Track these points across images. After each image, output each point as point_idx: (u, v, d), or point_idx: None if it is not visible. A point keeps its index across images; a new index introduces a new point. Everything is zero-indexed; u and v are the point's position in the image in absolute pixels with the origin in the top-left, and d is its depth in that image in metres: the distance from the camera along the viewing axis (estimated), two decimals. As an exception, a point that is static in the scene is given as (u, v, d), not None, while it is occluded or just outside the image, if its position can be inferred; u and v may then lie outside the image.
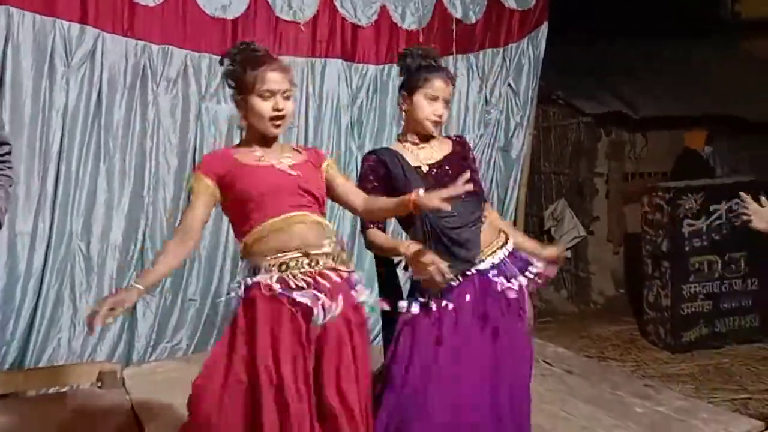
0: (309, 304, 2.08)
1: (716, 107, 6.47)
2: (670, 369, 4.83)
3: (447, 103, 2.55)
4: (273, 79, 2.14)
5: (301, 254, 2.14)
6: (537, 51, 4.98)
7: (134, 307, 3.94)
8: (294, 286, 2.10)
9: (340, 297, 2.13)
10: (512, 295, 2.44)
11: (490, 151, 4.83)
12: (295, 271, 2.12)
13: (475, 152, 2.79)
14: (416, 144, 2.56)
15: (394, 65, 4.59)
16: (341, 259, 2.23)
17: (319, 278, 2.13)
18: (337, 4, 4.36)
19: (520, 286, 2.47)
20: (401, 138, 2.61)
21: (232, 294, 2.22)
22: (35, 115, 3.66)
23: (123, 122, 3.88)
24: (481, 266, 2.47)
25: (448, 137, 2.69)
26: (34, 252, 3.70)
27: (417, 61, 2.56)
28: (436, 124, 2.53)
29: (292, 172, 2.19)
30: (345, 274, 2.22)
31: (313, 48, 4.28)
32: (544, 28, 5.00)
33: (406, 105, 2.53)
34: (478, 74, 4.79)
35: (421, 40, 4.56)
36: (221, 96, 4.10)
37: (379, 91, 4.51)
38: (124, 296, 2.00)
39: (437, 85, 2.50)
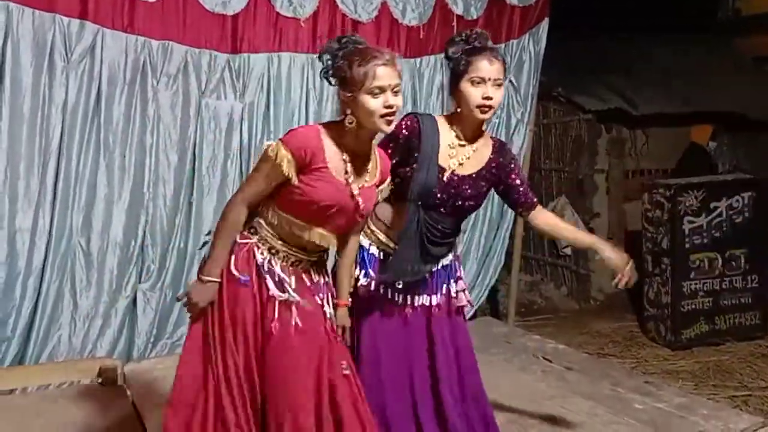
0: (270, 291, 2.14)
1: (716, 104, 6.46)
2: (670, 366, 4.83)
3: (498, 86, 2.37)
4: (383, 74, 2.04)
5: (295, 251, 2.19)
6: (538, 47, 4.96)
7: (134, 304, 3.95)
8: (266, 269, 2.15)
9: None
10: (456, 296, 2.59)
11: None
12: (278, 260, 2.18)
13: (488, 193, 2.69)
14: (459, 139, 2.46)
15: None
16: (320, 264, 2.29)
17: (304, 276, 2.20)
18: (338, 0, 4.35)
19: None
20: (450, 121, 2.48)
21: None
22: (35, 111, 3.66)
23: (123, 118, 3.87)
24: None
25: (492, 140, 2.58)
26: (35, 248, 3.70)
27: (460, 47, 2.43)
28: (486, 109, 2.36)
29: (360, 201, 2.18)
30: (316, 279, 2.26)
31: (314, 44, 4.26)
32: (545, 24, 4.98)
33: (456, 98, 2.42)
34: (479, 70, 4.77)
35: (421, 36, 4.56)
36: (221, 92, 4.10)
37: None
38: (204, 295, 2.13)
39: (482, 66, 2.35)
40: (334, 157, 2.12)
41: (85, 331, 3.81)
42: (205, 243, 4.02)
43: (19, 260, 3.67)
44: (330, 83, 2.18)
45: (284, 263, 2.18)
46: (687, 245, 5.12)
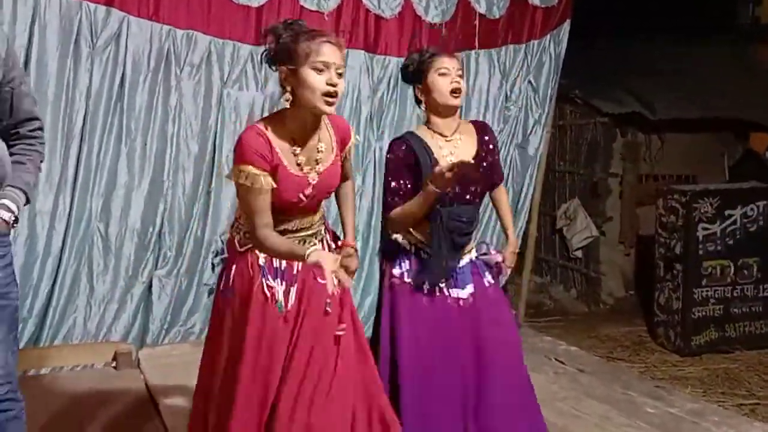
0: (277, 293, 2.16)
1: (734, 111, 6.45)
2: (679, 372, 4.83)
3: (460, 75, 2.59)
4: (329, 51, 2.02)
5: (294, 234, 2.20)
6: (559, 49, 4.97)
7: (150, 290, 3.97)
8: (276, 265, 2.17)
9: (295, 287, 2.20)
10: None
11: (507, 147, 4.83)
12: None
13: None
14: (441, 135, 2.59)
15: (416, 57, 4.65)
16: (320, 235, 2.30)
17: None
18: (362, -6, 4.36)
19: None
20: (428, 125, 2.64)
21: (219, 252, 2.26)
22: (59, 95, 3.69)
23: (145, 106, 3.90)
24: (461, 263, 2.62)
25: (472, 123, 2.75)
26: (54, 231, 3.74)
27: (416, 58, 2.62)
28: (456, 93, 2.54)
29: (313, 186, 2.17)
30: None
31: (337, 38, 4.28)
32: (566, 25, 4.99)
33: (424, 95, 2.59)
34: (500, 70, 4.78)
35: (443, 33, 4.57)
36: (243, 83, 4.12)
37: (400, 83, 4.49)
38: (328, 257, 2.00)
39: (444, 59, 2.56)
40: (284, 152, 2.10)
41: (100, 315, 3.84)
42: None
43: (38, 243, 3.71)
44: (270, 66, 2.13)
45: None
46: (700, 252, 5.11)
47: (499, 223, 3.07)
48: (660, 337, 5.32)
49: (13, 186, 2.10)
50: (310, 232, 2.26)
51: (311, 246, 2.15)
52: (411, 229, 2.58)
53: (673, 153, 6.60)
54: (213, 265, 2.23)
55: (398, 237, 2.60)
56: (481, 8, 4.68)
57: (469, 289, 2.63)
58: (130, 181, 3.89)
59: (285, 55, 2.05)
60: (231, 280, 2.20)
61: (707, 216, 5.11)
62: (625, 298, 6.41)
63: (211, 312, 2.37)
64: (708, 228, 5.11)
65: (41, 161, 2.24)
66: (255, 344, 2.14)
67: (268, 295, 2.15)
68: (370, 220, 4.43)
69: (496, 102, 4.78)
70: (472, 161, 2.51)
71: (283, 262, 2.19)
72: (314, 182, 2.17)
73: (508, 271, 2.78)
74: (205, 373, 2.32)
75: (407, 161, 2.54)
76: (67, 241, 3.77)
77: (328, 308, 2.21)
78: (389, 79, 4.47)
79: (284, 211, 2.16)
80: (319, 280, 2.11)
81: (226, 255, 2.24)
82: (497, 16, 4.74)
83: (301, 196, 2.15)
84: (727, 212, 5.13)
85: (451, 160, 2.51)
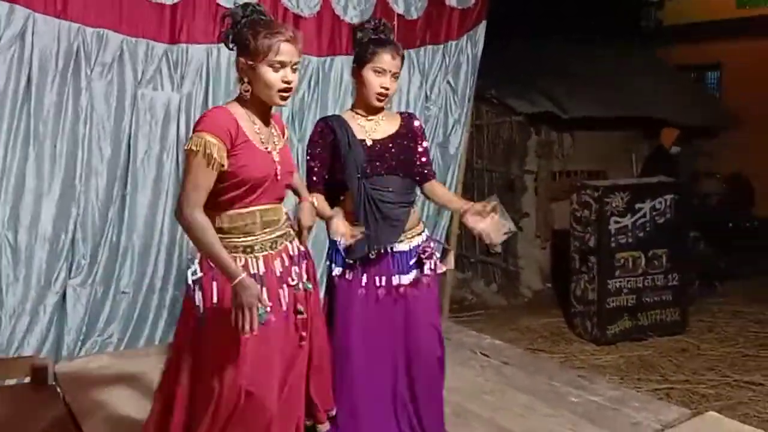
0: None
1: (640, 109, 6.76)
2: (597, 360, 5.02)
3: (395, 76, 2.62)
4: (286, 50, 2.08)
5: (264, 235, 2.18)
6: (475, 49, 5.05)
7: (64, 300, 3.80)
8: (253, 272, 2.13)
9: (285, 289, 2.19)
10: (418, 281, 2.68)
11: (430, 146, 4.88)
12: (259, 254, 2.17)
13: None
14: (364, 116, 2.67)
15: (336, 57, 4.62)
16: (290, 236, 2.29)
17: (275, 262, 2.19)
18: (281, -7, 4.31)
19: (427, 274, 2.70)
20: (352, 108, 2.72)
21: (192, 268, 2.16)
22: (-41, 97, 3.47)
23: (54, 107, 3.70)
24: (399, 247, 2.66)
25: (399, 113, 2.81)
26: (-42, 241, 3.51)
27: (367, 35, 2.64)
28: (382, 97, 2.61)
29: (278, 163, 2.18)
30: (293, 251, 2.27)
31: (254, 37, 4.20)
32: (482, 26, 5.07)
33: (356, 78, 2.64)
34: (419, 70, 4.82)
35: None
36: (158, 82, 3.99)
37: (320, 82, 4.48)
38: (250, 291, 2.01)
39: (385, 58, 2.57)
40: (248, 129, 2.14)
41: (11, 328, 3.63)
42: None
43: (-60, 254, 3.48)
44: (228, 47, 2.17)
45: (263, 253, 2.18)
46: (613, 244, 5.33)
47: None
48: (577, 327, 5.51)
49: None
50: (279, 233, 2.23)
51: (277, 246, 2.20)
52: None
53: (584, 150, 6.86)
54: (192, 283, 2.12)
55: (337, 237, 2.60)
56: (400, 9, 4.70)
57: (412, 275, 2.67)
58: (39, 186, 3.69)
59: (243, 48, 2.11)
60: (212, 297, 2.11)
61: (618, 210, 5.32)
62: (543, 291, 6.62)
63: (180, 326, 2.25)
64: (619, 221, 5.33)
65: None
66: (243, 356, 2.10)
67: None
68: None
69: (416, 102, 4.82)
70: (392, 140, 2.64)
71: (261, 267, 2.15)
72: (277, 160, 2.18)
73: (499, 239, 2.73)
74: (168, 384, 2.23)
75: (325, 139, 2.63)
76: (-28, 252, 3.55)
77: (300, 314, 2.24)
78: (309, 79, 4.43)
79: (254, 189, 2.12)
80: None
81: (200, 275, 2.14)
82: (415, 17, 4.78)
83: (277, 170, 2.16)
84: (637, 206, 5.37)
85: (371, 137, 2.62)
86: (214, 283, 2.11)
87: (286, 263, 2.23)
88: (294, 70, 2.12)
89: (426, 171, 2.79)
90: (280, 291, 2.18)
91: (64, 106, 3.74)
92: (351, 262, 2.61)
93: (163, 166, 4.02)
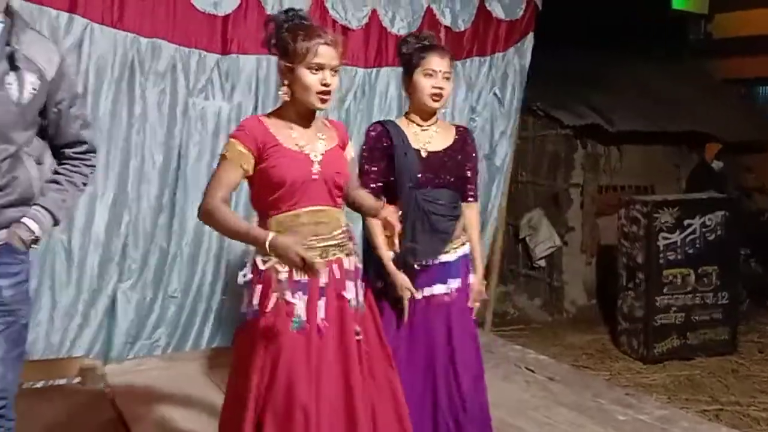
0: (295, 308, 2.11)
1: (688, 124, 6.63)
2: (643, 379, 4.92)
3: (446, 77, 2.62)
4: (325, 53, 2.10)
5: (314, 242, 2.15)
6: (523, 61, 5.03)
7: (114, 303, 3.87)
8: (297, 278, 2.12)
9: (324, 301, 2.15)
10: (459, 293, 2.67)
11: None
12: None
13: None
14: (419, 125, 2.66)
15: (382, 68, 4.65)
16: (347, 250, 2.25)
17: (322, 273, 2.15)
18: (329, 5, 4.35)
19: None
20: (406, 116, 2.71)
21: (244, 274, 2.18)
22: (19, 104, 3.57)
23: (109, 115, 3.79)
24: (444, 258, 2.65)
25: (455, 126, 2.80)
26: (14, 244, 3.60)
27: (412, 45, 2.67)
28: (437, 97, 2.59)
29: (318, 163, 2.16)
30: (350, 266, 2.24)
31: (303, 48, 4.25)
32: (529, 38, 5.06)
33: (408, 87, 2.65)
34: (465, 82, 4.81)
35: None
36: (209, 92, 4.06)
37: (366, 94, 4.51)
38: (287, 245, 2.02)
39: (433, 60, 2.59)
40: (281, 134, 2.16)
41: (63, 329, 3.71)
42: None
43: (-3, 256, 3.57)
44: (270, 51, 2.21)
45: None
46: (661, 261, 5.23)
47: None
48: (623, 345, 5.41)
49: (40, 206, 2.11)
50: (332, 243, 2.20)
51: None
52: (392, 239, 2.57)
53: (631, 164, 6.76)
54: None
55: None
56: (446, 21, 4.72)
57: (455, 284, 2.66)
58: (93, 192, 3.78)
59: (283, 51, 2.15)
60: (255, 300, 2.14)
61: (667, 226, 5.23)
62: (588, 307, 6.51)
63: (237, 334, 2.28)
64: (668, 237, 5.23)
65: (84, 183, 2.26)
66: (272, 364, 2.10)
67: (286, 311, 2.11)
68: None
69: (462, 114, 4.81)
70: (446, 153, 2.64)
71: (305, 275, 2.13)
72: (317, 160, 2.17)
73: (476, 305, 2.75)
74: (231, 397, 2.24)
75: (380, 143, 2.61)
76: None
77: (357, 336, 2.20)
78: (356, 90, 4.46)
79: (292, 191, 2.13)
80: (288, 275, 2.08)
81: (249, 277, 2.17)
82: (462, 29, 4.79)
83: (312, 170, 2.15)
84: (686, 222, 5.26)
85: (426, 148, 2.61)
86: (258, 287, 2.13)
87: (337, 275, 2.19)
88: (334, 74, 2.13)
89: (469, 192, 2.78)
90: (319, 302, 2.15)
91: (118, 114, 3.82)
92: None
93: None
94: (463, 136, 2.74)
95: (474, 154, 2.78)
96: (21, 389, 3.39)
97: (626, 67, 7.13)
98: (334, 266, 2.20)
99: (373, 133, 2.65)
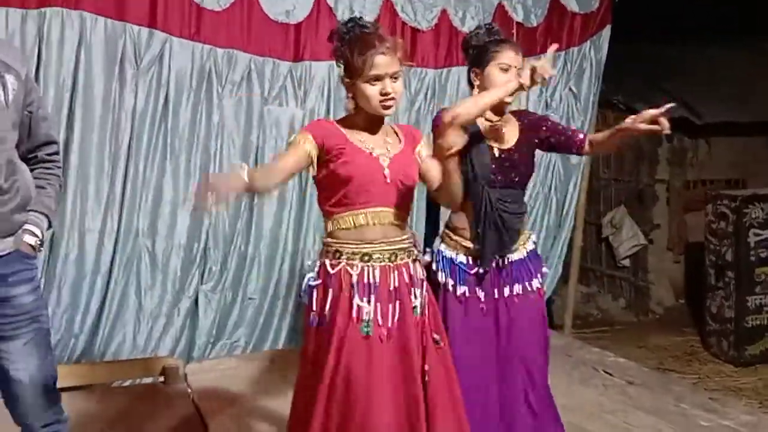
0: (364, 311, 2.11)
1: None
2: (733, 383, 4.71)
3: (519, 74, 2.51)
4: (381, 63, 2.10)
5: (384, 245, 2.17)
6: (599, 55, 4.90)
7: (196, 304, 4.03)
8: (368, 281, 2.14)
9: (397, 304, 2.15)
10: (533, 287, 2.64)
11: (549, 155, 4.76)
12: (376, 264, 2.16)
13: (535, 159, 2.77)
14: (490, 120, 2.60)
15: (453, 68, 4.63)
16: (414, 255, 2.25)
17: (392, 275, 2.16)
18: (398, 8, 4.37)
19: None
20: None
21: (311, 274, 2.23)
22: (105, 116, 3.77)
23: (189, 124, 3.96)
24: (515, 256, 2.62)
25: (514, 115, 2.70)
26: (103, 248, 3.81)
27: (483, 38, 2.61)
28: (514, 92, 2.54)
29: (387, 166, 2.17)
30: (416, 272, 2.23)
31: (374, 51, 4.30)
32: (606, 31, 4.93)
33: (479, 81, 2.58)
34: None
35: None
36: (283, 99, 4.16)
37: (437, 95, 4.51)
38: (229, 182, 1.97)
39: (508, 54, 2.53)
40: (351, 135, 2.17)
41: (148, 330, 3.90)
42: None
43: (87, 260, 3.79)
44: (337, 65, 2.22)
45: (381, 263, 2.17)
46: (752, 258, 4.99)
47: None
48: (712, 347, 5.19)
49: (35, 210, 2.15)
50: (400, 246, 2.21)
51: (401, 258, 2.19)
52: (469, 240, 2.60)
53: (720, 157, 6.46)
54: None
55: (452, 253, 2.61)
56: (519, 17, 4.65)
57: (532, 283, 2.64)
58: (175, 198, 3.95)
59: (344, 66, 2.17)
60: (325, 305, 2.16)
61: (758, 221, 4.98)
62: (675, 307, 6.27)
63: (304, 338, 2.29)
64: (760, 234, 4.99)
65: (60, 185, 2.29)
66: (343, 369, 2.11)
67: (355, 316, 2.12)
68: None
69: (536, 110, 4.72)
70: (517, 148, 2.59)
71: (377, 278, 2.15)
72: (386, 164, 2.17)
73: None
74: (299, 401, 2.28)
75: None
76: (115, 258, 3.84)
77: (438, 341, 2.21)
78: (426, 91, 4.47)
79: (360, 189, 2.15)
80: None
81: (318, 281, 2.21)
82: (535, 24, 4.71)
83: (384, 173, 2.16)
84: (779, 217, 4.99)
85: (499, 146, 2.57)
86: (330, 291, 2.15)
87: (406, 280, 2.20)
88: (394, 80, 2.12)
89: (575, 136, 2.64)
90: (390, 306, 2.15)
91: (198, 122, 3.98)
92: (472, 273, 2.57)
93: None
94: (523, 119, 2.68)
95: (541, 117, 2.74)
96: (108, 388, 3.62)
97: (712, 56, 6.80)
98: (403, 270, 2.20)
99: (437, 123, 2.54)
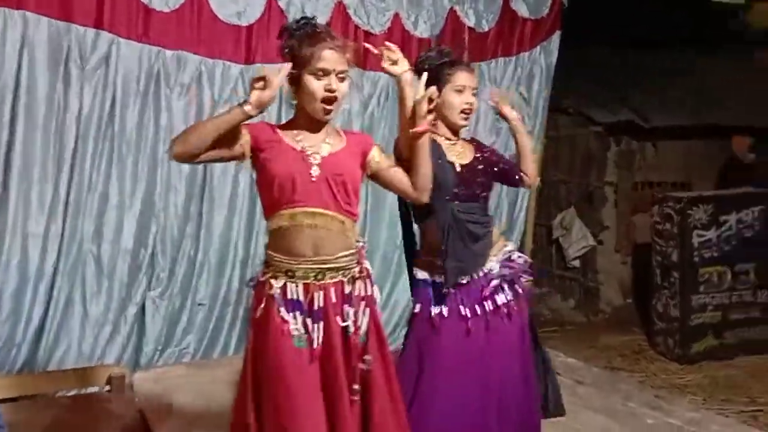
0: (289, 327, 2.08)
1: (724, 117, 6.46)
2: (679, 380, 4.82)
3: (474, 93, 2.62)
4: (329, 57, 2.07)
5: (310, 263, 2.11)
6: (549, 60, 4.98)
7: (143, 311, 3.95)
8: (292, 297, 2.09)
9: (320, 325, 2.10)
10: (506, 299, 2.60)
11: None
12: (299, 281, 2.11)
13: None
14: (449, 140, 2.64)
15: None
16: (352, 274, 2.17)
17: (316, 295, 2.10)
18: (351, 11, 4.36)
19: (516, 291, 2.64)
20: (432, 134, 2.59)
21: (250, 281, 2.23)
22: (49, 118, 3.68)
23: (136, 127, 3.88)
24: (487, 267, 2.62)
25: (468, 140, 2.76)
26: (46, 254, 3.71)
27: (435, 60, 2.63)
28: (467, 114, 2.60)
29: (318, 165, 2.12)
30: (353, 291, 2.16)
31: (326, 54, 4.28)
32: (556, 37, 5.00)
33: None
34: (490, 83, 4.78)
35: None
36: (234, 102, 4.08)
37: (390, 98, 4.51)
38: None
39: (463, 76, 2.59)
40: (287, 135, 2.15)
41: (94, 338, 3.81)
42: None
43: (30, 266, 3.68)
44: (283, 60, 2.17)
45: (304, 281, 2.11)
46: (696, 259, 5.12)
47: None
48: (659, 345, 5.31)
49: None
50: (332, 266, 2.13)
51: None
52: (432, 259, 2.58)
53: (667, 160, 6.61)
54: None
55: (423, 274, 2.60)
56: (470, 22, 4.69)
57: (504, 296, 2.61)
58: (121, 203, 3.87)
59: (291, 58, 2.12)
60: (255, 313, 2.14)
61: (702, 223, 5.12)
62: (624, 307, 6.40)
63: (247, 341, 2.26)
64: (703, 234, 5.12)
65: None
66: (274, 382, 2.08)
67: (289, 328, 2.08)
68: (391, 233, 4.44)
69: (487, 115, 4.77)
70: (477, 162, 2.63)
71: (299, 294, 2.10)
72: (317, 162, 2.12)
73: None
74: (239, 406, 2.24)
75: None
76: (59, 264, 3.74)
77: (364, 365, 2.13)
78: (379, 95, 4.47)
79: (290, 188, 2.10)
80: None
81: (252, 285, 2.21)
82: (486, 29, 4.76)
83: (310, 171, 2.11)
84: (722, 218, 5.15)
85: (459, 161, 2.60)
86: (259, 298, 2.14)
87: (333, 299, 2.12)
88: (341, 79, 2.09)
89: (515, 172, 2.75)
90: (315, 326, 2.09)
91: (145, 126, 3.91)
92: (445, 291, 2.54)
93: (239, 184, 4.14)
94: (478, 147, 2.74)
95: (492, 152, 2.79)
96: (52, 398, 3.53)
97: (661, 61, 6.97)
98: (332, 289, 2.12)
99: None
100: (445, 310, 2.53)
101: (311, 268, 2.12)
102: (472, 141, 2.79)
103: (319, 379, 2.09)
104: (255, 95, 2.03)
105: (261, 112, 2.07)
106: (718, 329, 5.13)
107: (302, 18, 2.22)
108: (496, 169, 2.72)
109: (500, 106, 2.83)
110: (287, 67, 2.08)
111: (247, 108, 2.02)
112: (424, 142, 2.18)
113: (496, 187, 4.72)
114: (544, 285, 6.83)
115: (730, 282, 5.16)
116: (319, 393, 2.08)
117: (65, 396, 3.57)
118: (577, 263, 6.49)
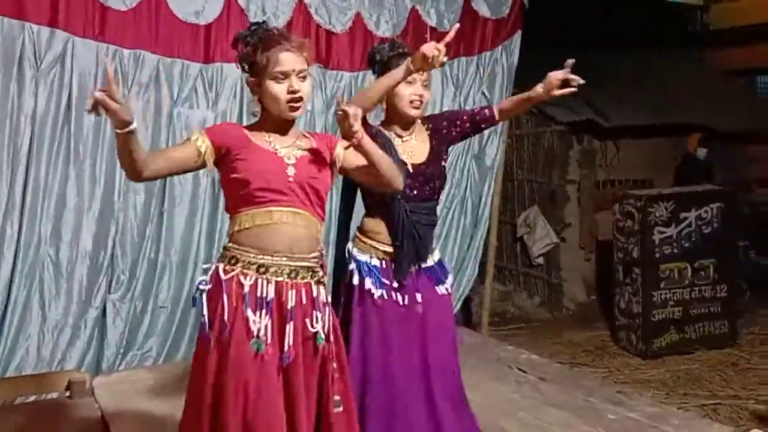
0: (255, 328, 2.03)
1: (685, 117, 6.58)
2: (642, 375, 4.89)
3: (425, 85, 2.61)
4: (286, 59, 2.05)
5: (285, 259, 2.09)
6: (510, 59, 5.00)
7: (104, 314, 3.88)
8: (261, 295, 2.06)
9: (291, 325, 2.07)
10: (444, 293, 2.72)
11: (464, 158, 4.84)
12: (272, 278, 2.08)
13: (448, 159, 2.84)
14: (401, 136, 2.64)
15: (369, 72, 4.63)
16: (318, 277, 2.17)
17: (289, 293, 2.08)
18: (312, 10, 4.34)
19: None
20: (385, 126, 2.66)
21: (203, 278, 2.14)
22: (2, 119, 3.59)
23: (93, 127, 3.80)
24: (426, 264, 2.69)
25: (423, 124, 2.73)
26: (2, 257, 3.62)
27: (386, 53, 2.64)
28: (418, 105, 2.59)
29: (293, 165, 2.10)
30: (318, 295, 2.15)
31: (288, 54, 4.25)
32: (517, 36, 5.03)
33: (387, 101, 2.59)
34: (452, 82, 4.80)
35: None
36: (194, 101, 4.06)
37: (353, 97, 4.49)
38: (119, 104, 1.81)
39: None
40: (256, 137, 2.13)
41: (53, 342, 3.73)
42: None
43: (-14, 270, 3.60)
44: (243, 69, 2.15)
45: (277, 278, 2.08)
46: (657, 255, 5.19)
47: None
48: (622, 341, 5.38)
49: None
50: (304, 264, 2.12)
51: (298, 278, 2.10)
52: (382, 242, 2.62)
53: (628, 159, 6.72)
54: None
55: (366, 257, 2.62)
56: (432, 21, 4.69)
57: (439, 288, 2.70)
58: (79, 204, 3.80)
59: (248, 67, 2.10)
60: (215, 315, 2.05)
61: (662, 219, 5.19)
62: (588, 303, 6.48)
63: (195, 350, 2.22)
64: (664, 231, 5.20)
65: None
66: (237, 388, 2.02)
67: (245, 330, 2.03)
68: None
69: (449, 114, 4.78)
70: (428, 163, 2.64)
71: (270, 293, 2.06)
72: (291, 162, 2.10)
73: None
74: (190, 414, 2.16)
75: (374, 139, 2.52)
76: (16, 267, 3.65)
77: (335, 374, 2.12)
78: (342, 94, 4.45)
79: (266, 188, 2.07)
80: None
81: (208, 286, 2.11)
82: (448, 29, 4.75)
83: (286, 172, 2.09)
84: (682, 215, 5.23)
85: (411, 161, 2.61)
86: (221, 300, 2.05)
87: (304, 301, 2.10)
88: (302, 78, 2.08)
89: (483, 113, 2.72)
90: (287, 327, 2.06)
91: (103, 126, 3.83)
92: (387, 277, 2.58)
93: (200, 184, 4.09)
94: (433, 124, 2.71)
95: (447, 113, 2.83)
96: (11, 405, 3.44)
97: (622, 61, 7.08)
98: (303, 291, 2.11)
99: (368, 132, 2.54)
100: (385, 293, 2.58)
101: (286, 265, 2.10)
102: (426, 121, 2.73)
103: (280, 384, 2.06)
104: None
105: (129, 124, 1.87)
106: (680, 324, 5.22)
107: (253, 24, 2.19)
108: (461, 129, 2.70)
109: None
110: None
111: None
112: (368, 146, 2.15)
113: (461, 185, 4.85)
114: (509, 282, 6.89)
115: (690, 278, 5.25)
116: (282, 400, 2.06)
117: (25, 402, 3.48)
118: (541, 261, 6.55)
